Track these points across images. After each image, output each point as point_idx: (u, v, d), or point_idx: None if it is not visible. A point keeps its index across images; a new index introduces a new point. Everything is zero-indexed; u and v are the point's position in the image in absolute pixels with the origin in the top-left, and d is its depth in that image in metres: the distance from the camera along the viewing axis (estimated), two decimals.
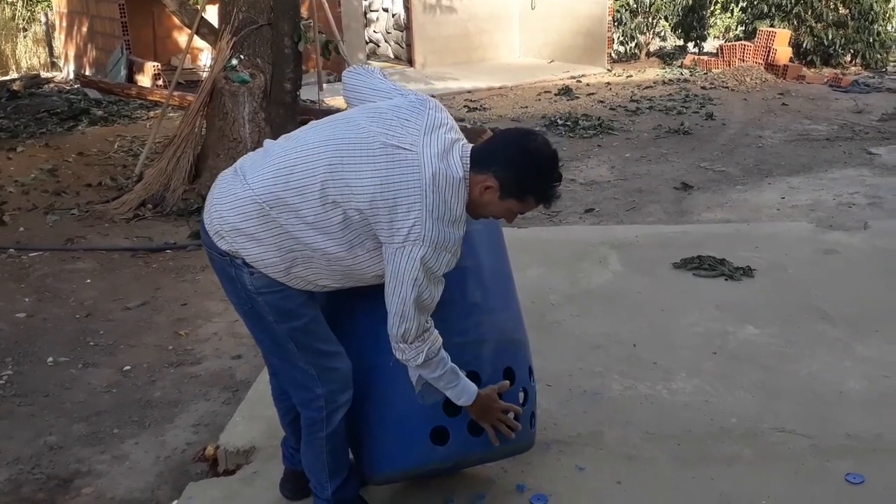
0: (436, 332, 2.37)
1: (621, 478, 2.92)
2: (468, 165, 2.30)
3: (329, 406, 2.50)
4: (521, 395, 2.69)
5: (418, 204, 2.22)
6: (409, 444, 2.56)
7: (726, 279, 4.65)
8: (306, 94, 8.99)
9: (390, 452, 2.59)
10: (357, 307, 2.60)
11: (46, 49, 16.69)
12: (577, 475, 2.94)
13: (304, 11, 8.09)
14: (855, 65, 13.57)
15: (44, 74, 14.94)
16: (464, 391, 2.43)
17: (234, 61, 6.99)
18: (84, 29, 14.35)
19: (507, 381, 2.56)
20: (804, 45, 13.35)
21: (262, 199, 2.30)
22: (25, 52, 16.83)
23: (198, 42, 9.07)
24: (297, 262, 2.32)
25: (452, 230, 2.26)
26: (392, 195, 2.23)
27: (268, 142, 2.49)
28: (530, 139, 2.38)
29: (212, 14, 8.99)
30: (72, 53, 15.11)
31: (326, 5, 8.59)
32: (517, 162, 2.31)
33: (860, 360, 3.72)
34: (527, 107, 10.95)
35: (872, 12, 13.08)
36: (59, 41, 16.00)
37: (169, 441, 3.50)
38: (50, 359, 4.26)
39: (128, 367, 4.17)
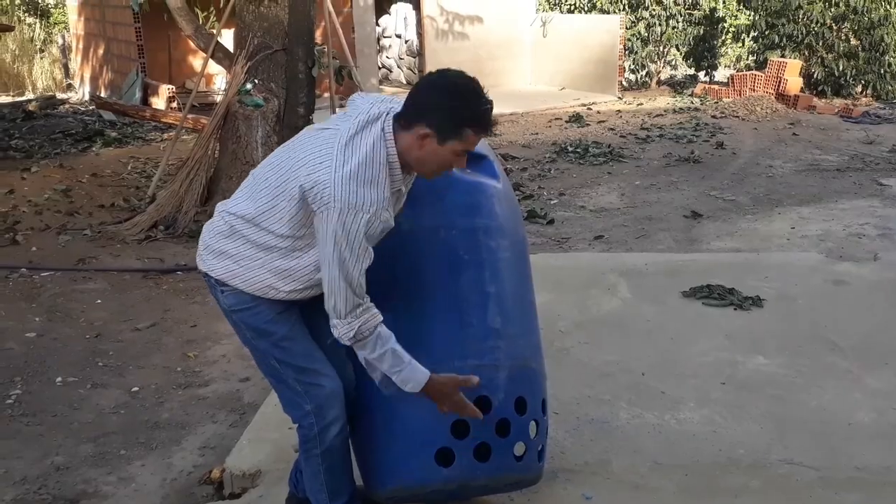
0: (374, 310, 2.36)
1: None
2: (390, 125, 2.33)
3: (320, 422, 2.54)
4: (533, 426, 2.67)
5: (328, 165, 2.27)
6: (414, 461, 2.56)
7: (735, 308, 4.64)
8: (319, 118, 9.05)
9: (394, 468, 2.60)
10: None
11: (62, 70, 16.89)
12: None
13: (318, 37, 8.16)
14: (866, 96, 13.59)
15: (59, 95, 15.11)
16: (409, 378, 2.40)
17: (249, 85, 7.06)
18: (100, 51, 14.52)
19: (477, 378, 2.50)
20: (815, 75, 13.39)
21: (231, 211, 2.47)
22: (42, 73, 17.03)
23: (212, 66, 9.16)
24: (256, 265, 2.42)
25: (367, 190, 2.25)
26: (312, 161, 2.30)
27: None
28: (444, 76, 2.38)
29: (227, 38, 9.08)
30: (87, 75, 15.27)
31: (340, 31, 8.67)
32: (443, 102, 2.30)
33: (870, 392, 3.71)
34: (537, 133, 10.99)
35: (883, 44, 13.11)
36: (75, 63, 16.18)
37: (175, 463, 3.50)
38: (59, 379, 4.28)
39: (136, 389, 4.18)
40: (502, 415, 2.56)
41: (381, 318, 2.38)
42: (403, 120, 2.33)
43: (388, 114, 2.36)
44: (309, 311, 2.58)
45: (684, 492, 3.00)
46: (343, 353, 2.67)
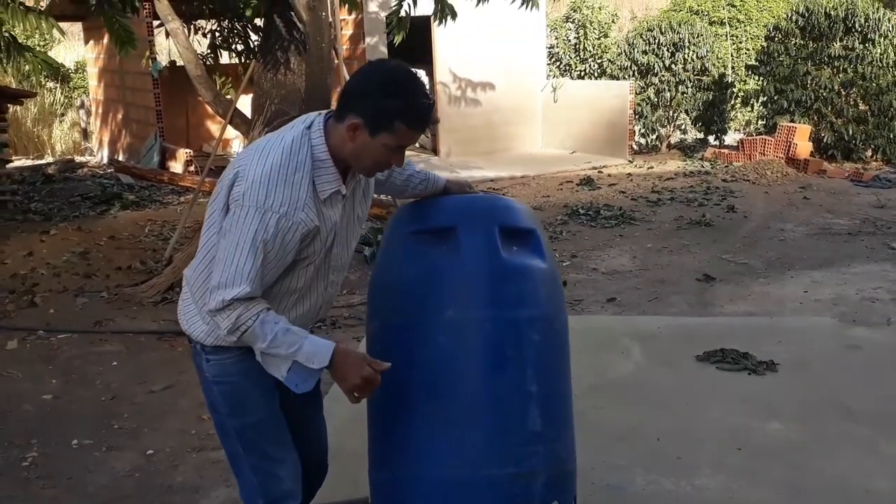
0: (256, 307, 2.19)
1: None
2: (319, 123, 2.25)
3: None
4: None
5: (248, 159, 2.22)
6: None
7: (750, 373, 4.64)
8: None
9: None
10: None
11: (81, 134, 17.20)
12: None
13: (334, 104, 8.33)
14: (876, 160, 13.66)
15: (78, 159, 15.37)
16: (314, 352, 2.19)
17: None
18: (119, 116, 14.80)
19: (388, 364, 2.27)
20: (825, 139, 13.49)
21: (191, 266, 2.45)
22: (61, 137, 17.36)
23: (230, 131, 9.34)
24: None
25: (281, 190, 2.14)
26: (237, 160, 2.28)
27: None
28: (380, 65, 2.30)
29: (245, 104, 9.27)
30: (106, 139, 15.55)
31: None
32: (375, 92, 2.18)
33: (886, 457, 3.69)
34: (549, 196, 11.09)
35: (892, 109, 13.22)
36: (94, 127, 16.49)
37: None
38: (74, 441, 4.29)
39: (151, 451, 4.19)
40: None
41: (264, 306, 2.21)
42: (337, 112, 2.23)
43: (321, 114, 2.28)
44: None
45: None
46: (321, 423, 2.70)
